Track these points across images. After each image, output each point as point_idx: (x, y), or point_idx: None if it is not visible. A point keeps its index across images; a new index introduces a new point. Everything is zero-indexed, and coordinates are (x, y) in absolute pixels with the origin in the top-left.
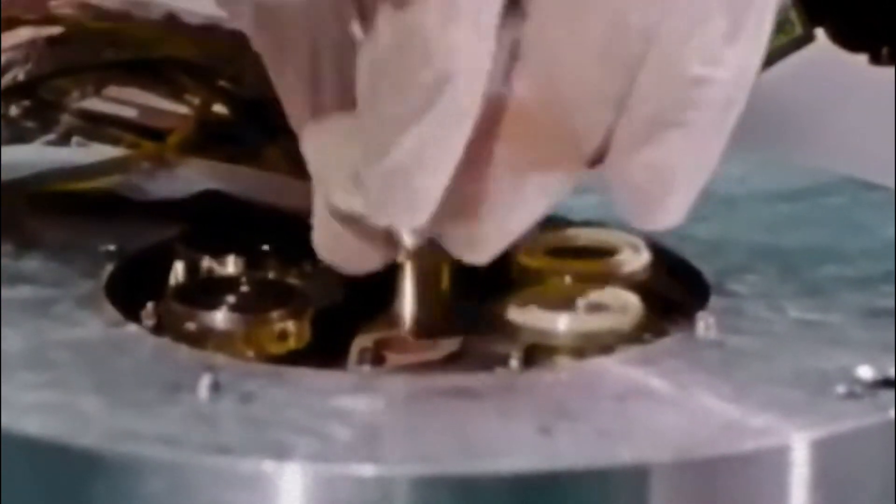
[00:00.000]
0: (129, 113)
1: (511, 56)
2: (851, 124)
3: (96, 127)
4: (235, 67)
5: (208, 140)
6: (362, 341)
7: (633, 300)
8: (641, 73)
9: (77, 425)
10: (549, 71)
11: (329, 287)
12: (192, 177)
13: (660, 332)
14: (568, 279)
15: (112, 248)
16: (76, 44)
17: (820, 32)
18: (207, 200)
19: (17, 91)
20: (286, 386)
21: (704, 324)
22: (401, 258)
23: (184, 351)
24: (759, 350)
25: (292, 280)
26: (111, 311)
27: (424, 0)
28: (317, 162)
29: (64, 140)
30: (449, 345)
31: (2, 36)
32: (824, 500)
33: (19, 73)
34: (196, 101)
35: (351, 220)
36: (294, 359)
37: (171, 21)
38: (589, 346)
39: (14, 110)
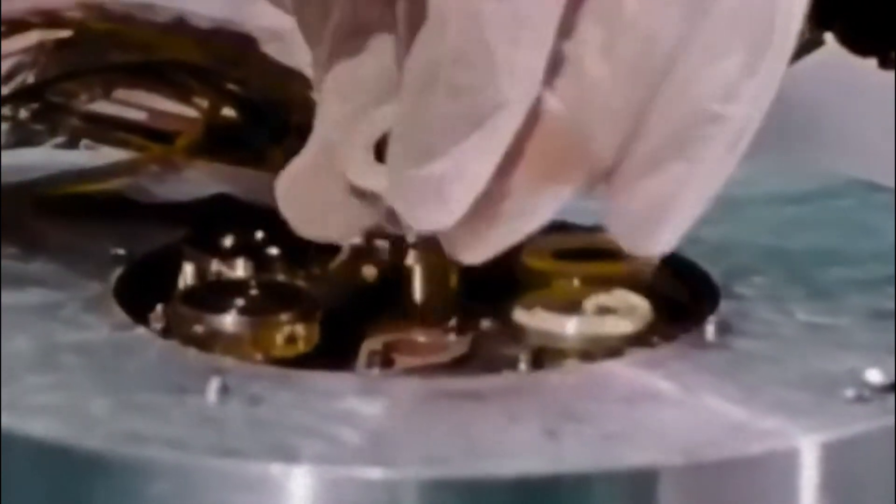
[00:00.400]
0: (137, 116)
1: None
2: (859, 127)
3: (104, 130)
4: (242, 70)
5: (216, 143)
6: (371, 344)
7: (640, 303)
8: (658, 101)
9: (85, 428)
10: (580, 85)
11: (337, 290)
12: (201, 179)
13: (667, 335)
14: (576, 282)
15: (120, 250)
16: (84, 47)
17: (828, 36)
18: (216, 203)
19: (25, 94)
20: (294, 389)
21: (712, 326)
22: (409, 261)
23: (192, 354)
24: (767, 353)
25: (300, 283)
26: (119, 314)
27: (493, 12)
28: (327, 123)
29: (72, 143)
30: (457, 347)
31: (11, 39)
32: (832, 503)
33: (27, 77)
34: (204, 104)
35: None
36: (302, 362)
37: (179, 24)
38: (596, 348)
39: (22, 113)
